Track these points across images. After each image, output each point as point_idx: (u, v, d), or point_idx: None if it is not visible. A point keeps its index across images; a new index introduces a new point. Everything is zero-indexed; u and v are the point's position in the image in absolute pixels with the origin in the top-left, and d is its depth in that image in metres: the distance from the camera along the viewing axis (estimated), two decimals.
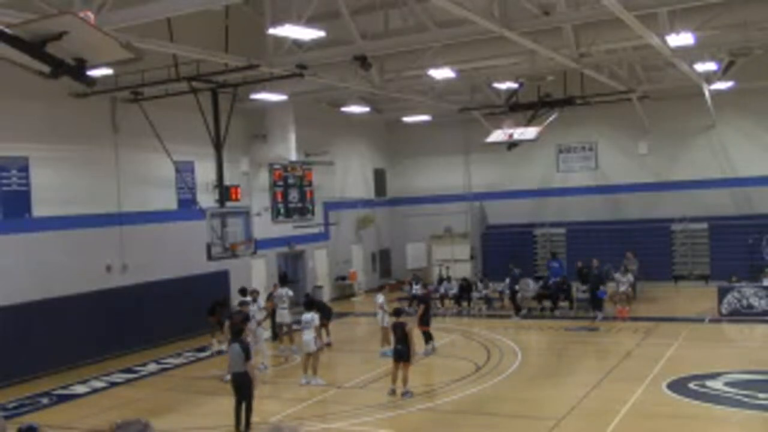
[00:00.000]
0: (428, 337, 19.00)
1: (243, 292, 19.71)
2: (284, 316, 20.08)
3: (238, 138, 24.01)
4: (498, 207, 32.40)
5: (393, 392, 14.97)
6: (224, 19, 17.18)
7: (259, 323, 18.51)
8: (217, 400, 13.98)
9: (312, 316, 16.46)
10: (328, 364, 18.53)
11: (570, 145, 31.21)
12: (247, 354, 12.79)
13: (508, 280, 24.83)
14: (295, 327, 20.44)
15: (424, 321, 19.03)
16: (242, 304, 18.20)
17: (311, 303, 17.99)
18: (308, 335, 16.28)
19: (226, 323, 18.25)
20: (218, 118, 20.53)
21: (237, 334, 13.52)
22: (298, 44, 17.45)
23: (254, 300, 19.10)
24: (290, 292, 20.94)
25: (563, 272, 26.09)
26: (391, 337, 16.04)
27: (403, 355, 14.91)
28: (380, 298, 19.85)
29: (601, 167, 30.88)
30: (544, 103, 25.16)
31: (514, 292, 24.22)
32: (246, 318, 17.74)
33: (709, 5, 15.64)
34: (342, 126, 30.31)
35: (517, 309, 24.03)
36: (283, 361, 19.12)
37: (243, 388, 12.78)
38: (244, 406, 12.81)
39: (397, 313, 16.02)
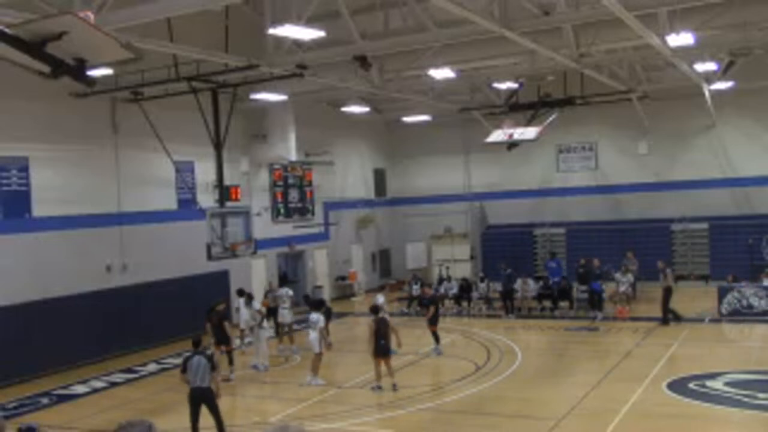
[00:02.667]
0: (436, 338, 19.10)
1: (240, 293, 19.75)
2: (285, 315, 20.09)
3: (238, 138, 24.01)
4: (498, 207, 32.40)
5: (380, 388, 15.37)
6: (224, 19, 17.18)
7: (259, 324, 18.45)
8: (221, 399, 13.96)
9: (317, 317, 16.43)
10: (328, 364, 18.51)
11: (570, 145, 31.21)
12: (212, 365, 12.22)
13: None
14: (295, 327, 20.49)
15: (433, 321, 19.12)
16: (219, 304, 18.00)
17: (320, 303, 17.85)
18: (313, 335, 16.28)
19: (207, 325, 18.18)
20: (218, 118, 20.52)
21: (196, 345, 12.75)
22: (298, 44, 17.44)
23: (250, 302, 19.05)
24: (290, 292, 20.94)
25: (561, 272, 26.09)
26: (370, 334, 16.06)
27: (387, 350, 15.58)
28: (380, 298, 19.86)
29: (601, 167, 30.88)
30: (544, 103, 25.16)
31: (506, 292, 24.21)
32: (223, 317, 17.58)
33: (709, 5, 15.64)
34: (342, 126, 30.31)
35: (507, 309, 24.05)
36: (283, 361, 19.12)
37: (206, 402, 12.18)
38: (214, 420, 12.22)
39: (376, 310, 16.46)
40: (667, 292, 21.33)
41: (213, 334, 17.65)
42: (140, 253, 21.05)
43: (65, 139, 19.54)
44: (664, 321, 21.16)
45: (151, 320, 20.89)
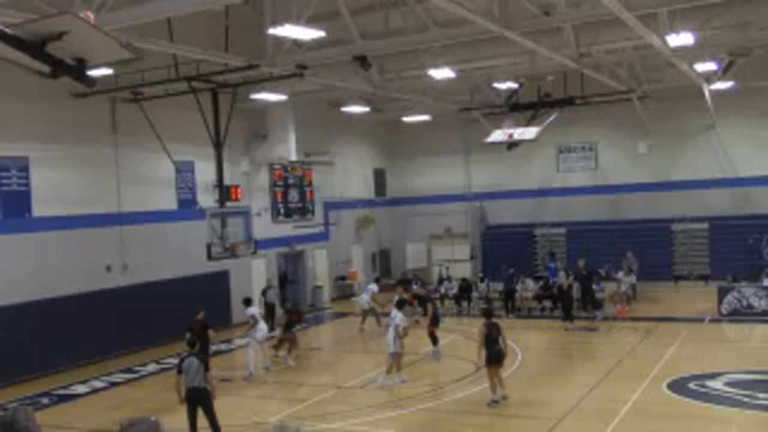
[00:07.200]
0: (434, 340, 18.93)
1: (248, 302, 19.69)
2: (364, 302, 22.61)
3: (238, 138, 24.02)
4: (498, 207, 32.41)
5: (497, 402, 14.06)
6: (224, 19, 17.17)
7: (252, 327, 18.05)
8: (216, 399, 13.95)
9: (395, 314, 16.22)
10: (329, 364, 18.53)
11: (570, 145, 31.22)
12: (205, 366, 12.34)
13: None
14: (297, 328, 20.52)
15: (434, 322, 19.05)
16: (198, 312, 17.09)
17: (401, 302, 17.19)
18: (390, 335, 16.06)
19: (188, 334, 17.49)
20: (218, 118, 20.52)
21: (191, 346, 12.83)
22: (298, 44, 17.43)
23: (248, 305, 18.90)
24: (375, 288, 22.97)
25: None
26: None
27: (501, 356, 14.17)
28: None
29: (601, 167, 30.89)
30: (544, 103, 25.16)
31: (507, 293, 24.19)
32: (205, 326, 16.62)
33: (709, 5, 15.63)
34: (342, 126, 30.31)
35: (507, 309, 24.04)
36: (282, 362, 19.10)
37: (201, 403, 12.30)
38: (208, 421, 12.29)
39: (488, 313, 14.87)
40: (560, 290, 23.23)
41: (188, 344, 17.29)
42: (140, 253, 21.05)
43: (65, 139, 19.54)
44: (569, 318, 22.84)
45: (151, 320, 20.87)
